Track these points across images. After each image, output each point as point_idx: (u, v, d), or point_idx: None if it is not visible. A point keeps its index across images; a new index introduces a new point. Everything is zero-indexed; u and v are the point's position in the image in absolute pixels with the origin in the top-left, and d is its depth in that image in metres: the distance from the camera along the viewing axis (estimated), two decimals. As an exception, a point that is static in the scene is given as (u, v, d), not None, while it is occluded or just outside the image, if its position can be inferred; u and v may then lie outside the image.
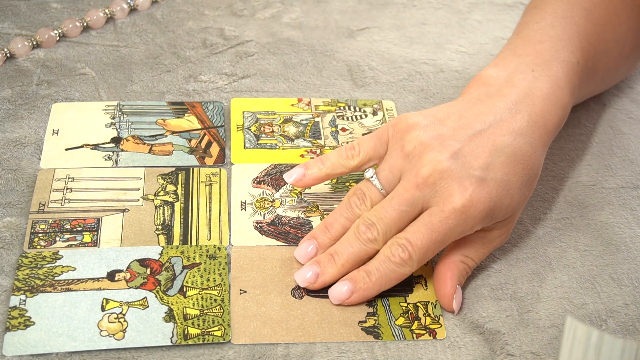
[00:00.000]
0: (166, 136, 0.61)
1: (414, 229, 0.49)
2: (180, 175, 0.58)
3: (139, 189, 0.57)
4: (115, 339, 0.47)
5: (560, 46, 0.56)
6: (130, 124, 0.62)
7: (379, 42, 0.72)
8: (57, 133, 0.60)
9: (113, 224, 0.54)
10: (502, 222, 0.52)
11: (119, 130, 0.61)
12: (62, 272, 0.51)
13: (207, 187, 0.58)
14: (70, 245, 0.52)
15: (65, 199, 0.55)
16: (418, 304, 0.51)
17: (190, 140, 0.61)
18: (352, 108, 0.65)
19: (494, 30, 0.74)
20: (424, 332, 0.50)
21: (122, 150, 0.59)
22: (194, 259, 0.52)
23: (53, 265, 0.51)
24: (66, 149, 0.59)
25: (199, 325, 0.49)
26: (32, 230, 0.53)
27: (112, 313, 0.49)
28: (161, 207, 0.56)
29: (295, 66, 0.69)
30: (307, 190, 0.58)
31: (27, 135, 0.60)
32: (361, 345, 0.49)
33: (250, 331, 0.49)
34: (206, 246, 0.53)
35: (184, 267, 0.52)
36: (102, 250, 0.52)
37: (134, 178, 0.58)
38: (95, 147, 0.60)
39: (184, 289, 0.51)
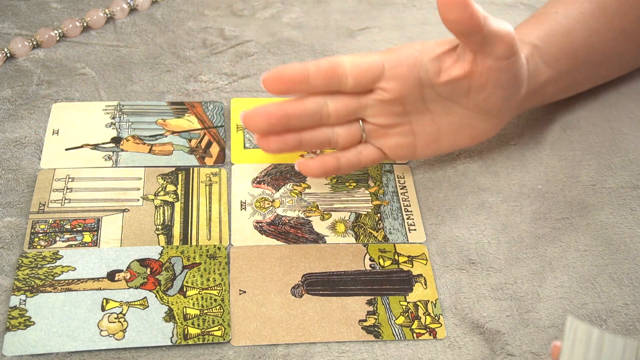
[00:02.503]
0: (166, 136, 0.61)
1: None
2: (180, 175, 0.58)
3: (139, 189, 0.57)
4: (115, 339, 0.47)
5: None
6: (130, 124, 0.62)
7: (379, 42, 0.72)
8: (57, 133, 0.60)
9: (113, 224, 0.54)
10: None
11: (119, 130, 0.61)
12: (62, 272, 0.51)
13: (207, 187, 0.58)
14: (71, 245, 0.52)
15: (65, 199, 0.55)
16: (418, 303, 0.51)
17: (190, 140, 0.61)
18: (352, 108, 0.65)
19: (494, 30, 0.74)
20: (424, 331, 0.50)
21: (122, 150, 0.59)
22: (194, 259, 0.52)
23: (53, 265, 0.51)
24: (66, 149, 0.59)
25: (199, 325, 0.49)
26: (32, 230, 0.53)
27: (112, 313, 0.49)
28: (161, 207, 0.56)
29: (295, 66, 0.69)
30: (307, 190, 0.58)
31: (27, 135, 0.60)
32: (361, 345, 0.49)
33: (250, 332, 0.49)
34: (206, 246, 0.53)
35: (184, 267, 0.52)
36: (102, 250, 0.52)
37: (134, 178, 0.58)
38: (95, 147, 0.60)
39: (184, 289, 0.51)
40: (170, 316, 0.49)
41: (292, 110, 0.52)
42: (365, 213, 0.57)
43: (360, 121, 0.55)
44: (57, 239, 0.53)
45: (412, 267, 0.54)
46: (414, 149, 0.57)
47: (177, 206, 0.56)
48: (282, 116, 0.51)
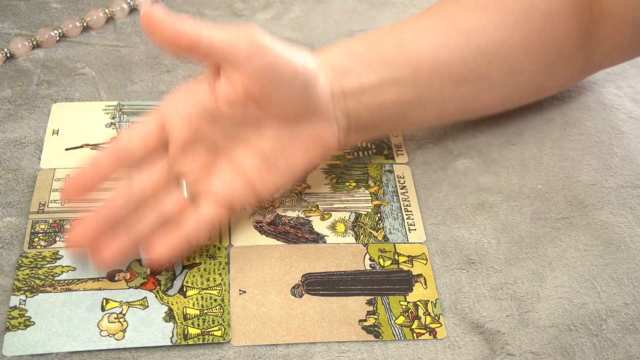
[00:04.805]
0: (166, 136, 0.61)
1: None
2: (180, 175, 0.58)
3: (139, 189, 0.57)
4: (115, 339, 0.47)
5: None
6: (130, 124, 0.62)
7: (379, 42, 0.72)
8: (57, 133, 0.60)
9: (113, 224, 0.54)
10: None
11: (119, 130, 0.61)
12: (62, 272, 0.51)
13: (207, 187, 0.58)
14: (70, 245, 0.52)
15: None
16: (418, 302, 0.51)
17: (190, 140, 0.61)
18: (352, 108, 0.65)
19: (494, 30, 0.74)
20: (424, 331, 0.50)
21: (122, 150, 0.59)
22: (194, 259, 0.52)
23: (53, 265, 0.51)
24: (66, 149, 0.59)
25: (199, 325, 0.49)
26: (32, 230, 0.53)
27: (112, 313, 0.49)
28: (161, 207, 0.56)
29: (295, 66, 0.69)
30: (307, 190, 0.58)
31: (27, 135, 0.60)
32: (361, 345, 0.49)
33: (250, 332, 0.49)
34: (206, 246, 0.53)
35: (184, 267, 0.52)
36: (102, 250, 0.52)
37: (134, 178, 0.58)
38: (95, 147, 0.60)
39: (184, 289, 0.51)
40: (170, 316, 0.49)
41: (109, 212, 0.48)
42: (365, 213, 0.57)
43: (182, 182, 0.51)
44: (57, 239, 0.53)
45: (412, 267, 0.54)
46: (252, 187, 0.52)
47: (177, 206, 0.56)
48: (105, 222, 0.48)
